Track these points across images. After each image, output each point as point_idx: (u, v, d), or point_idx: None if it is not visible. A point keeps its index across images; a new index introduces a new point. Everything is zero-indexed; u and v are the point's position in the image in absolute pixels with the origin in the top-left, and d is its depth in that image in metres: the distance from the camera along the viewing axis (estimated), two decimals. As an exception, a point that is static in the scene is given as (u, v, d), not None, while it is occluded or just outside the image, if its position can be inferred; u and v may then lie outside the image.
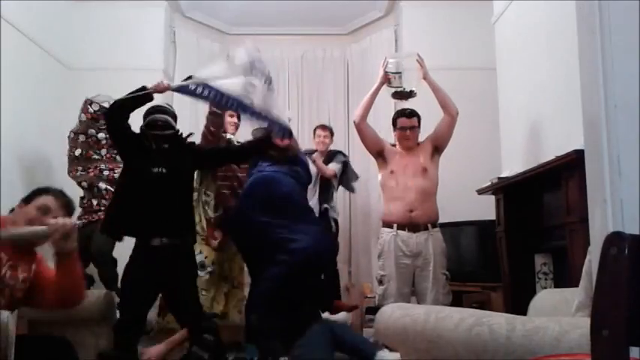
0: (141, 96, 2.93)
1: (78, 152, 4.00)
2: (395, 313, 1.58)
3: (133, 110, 2.96)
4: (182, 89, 3.00)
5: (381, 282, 3.35)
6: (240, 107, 3.02)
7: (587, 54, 1.53)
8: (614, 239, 0.80)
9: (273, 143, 3.32)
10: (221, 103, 3.02)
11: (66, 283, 2.16)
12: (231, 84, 2.96)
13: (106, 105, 3.86)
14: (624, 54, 1.41)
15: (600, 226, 1.41)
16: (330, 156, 4.72)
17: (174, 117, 3.11)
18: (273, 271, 3.10)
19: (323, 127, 4.85)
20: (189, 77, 2.98)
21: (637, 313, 0.77)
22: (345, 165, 4.73)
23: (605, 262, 0.81)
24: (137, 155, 3.00)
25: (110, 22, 4.97)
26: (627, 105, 1.40)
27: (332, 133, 4.85)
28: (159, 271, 2.90)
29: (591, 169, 1.50)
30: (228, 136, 3.87)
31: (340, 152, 4.87)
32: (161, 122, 3.01)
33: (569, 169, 2.68)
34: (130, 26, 4.99)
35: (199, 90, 2.94)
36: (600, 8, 1.44)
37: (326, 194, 4.55)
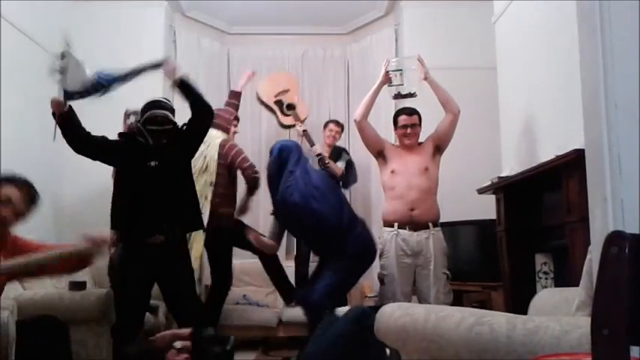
0: (62, 117, 2.89)
1: None
2: (395, 313, 1.57)
3: (73, 128, 2.92)
4: (70, 97, 2.92)
5: (382, 281, 3.36)
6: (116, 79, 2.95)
7: (587, 53, 1.53)
8: (615, 238, 0.80)
9: (175, 78, 3.06)
10: (104, 84, 2.93)
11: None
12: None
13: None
14: (625, 53, 1.42)
15: (601, 225, 1.41)
16: (335, 151, 4.78)
17: (173, 111, 3.06)
18: (337, 266, 3.13)
19: (337, 122, 5.00)
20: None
21: (637, 312, 0.77)
22: (349, 164, 4.77)
23: (605, 261, 0.81)
24: (129, 155, 2.95)
25: (110, 21, 4.97)
26: (628, 104, 1.40)
27: (342, 130, 5.01)
28: (155, 270, 2.87)
29: (592, 168, 1.50)
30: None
31: (345, 150, 4.91)
32: (160, 117, 2.96)
33: (569, 169, 2.67)
34: (130, 26, 4.99)
35: (86, 90, 2.89)
36: (601, 8, 1.44)
37: None
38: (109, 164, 3.11)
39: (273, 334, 4.50)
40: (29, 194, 2.23)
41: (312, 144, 4.73)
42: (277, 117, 5.10)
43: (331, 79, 5.84)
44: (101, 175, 4.66)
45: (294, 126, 5.00)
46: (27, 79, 4.18)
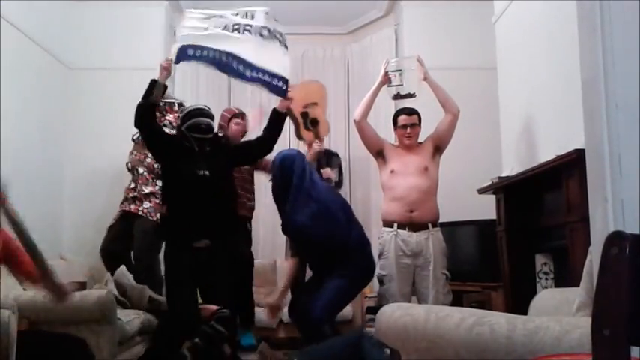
0: (156, 88, 2.92)
1: (136, 137, 4.08)
2: (395, 313, 1.58)
3: (155, 106, 2.96)
4: (183, 58, 2.97)
5: (381, 282, 3.35)
6: (238, 67, 3.03)
7: (587, 53, 1.53)
8: (615, 239, 0.80)
9: (284, 111, 3.20)
10: (221, 63, 3.02)
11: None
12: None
13: (171, 100, 4.01)
14: (625, 53, 1.42)
15: (601, 225, 1.41)
16: (326, 154, 4.70)
17: (213, 119, 3.12)
18: (339, 283, 3.02)
19: None
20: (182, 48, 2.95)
21: (638, 312, 0.77)
22: (340, 169, 4.73)
23: (605, 261, 0.81)
24: (178, 157, 3.00)
25: (110, 21, 4.97)
26: (628, 104, 1.40)
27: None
28: (200, 272, 2.94)
29: (592, 168, 1.50)
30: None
31: (336, 154, 4.85)
32: (204, 125, 3.01)
33: (569, 169, 2.67)
34: (130, 26, 4.99)
35: (198, 53, 2.96)
36: (601, 8, 1.44)
37: None
38: (157, 156, 3.19)
39: (273, 334, 4.50)
40: None
41: (323, 167, 4.46)
42: (298, 128, 4.58)
43: (331, 79, 5.83)
44: (100, 174, 4.69)
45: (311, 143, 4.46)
46: (27, 79, 4.19)
